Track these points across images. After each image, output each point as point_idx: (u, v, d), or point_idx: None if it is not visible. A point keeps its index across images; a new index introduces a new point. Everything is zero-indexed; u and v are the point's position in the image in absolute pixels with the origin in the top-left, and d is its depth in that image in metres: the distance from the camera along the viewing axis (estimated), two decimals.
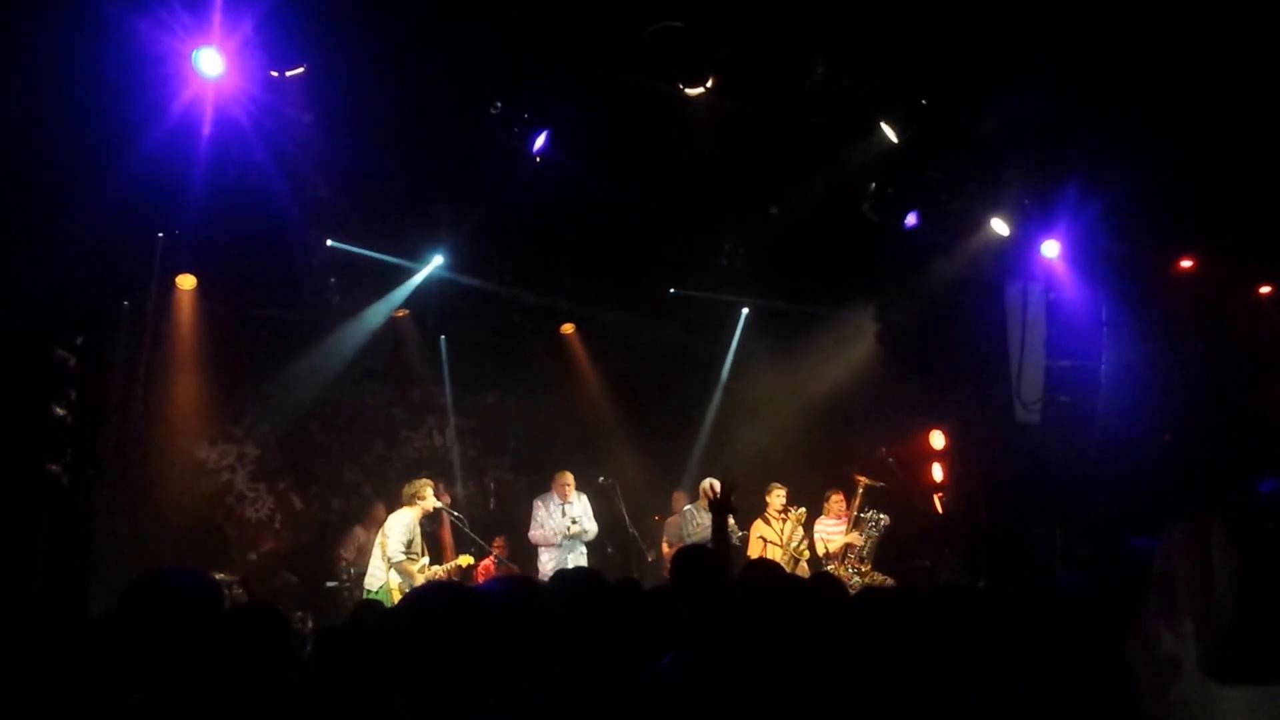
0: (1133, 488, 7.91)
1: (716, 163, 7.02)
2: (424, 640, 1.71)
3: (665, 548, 8.33)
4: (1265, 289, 8.88)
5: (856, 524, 7.90)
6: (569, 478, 7.96)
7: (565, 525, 7.76)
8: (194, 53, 5.24)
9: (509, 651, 1.77)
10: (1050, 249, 8.18)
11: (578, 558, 7.79)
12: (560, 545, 7.77)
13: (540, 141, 6.32)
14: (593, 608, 2.67)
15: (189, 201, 6.49)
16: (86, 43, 5.09)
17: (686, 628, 3.27)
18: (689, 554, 3.67)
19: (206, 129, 5.79)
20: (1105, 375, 8.52)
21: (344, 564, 7.93)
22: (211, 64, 5.27)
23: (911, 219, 7.74)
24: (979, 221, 8.00)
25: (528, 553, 8.57)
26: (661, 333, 9.63)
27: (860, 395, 9.24)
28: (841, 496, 8.08)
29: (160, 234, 7.36)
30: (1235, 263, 8.33)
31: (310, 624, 6.97)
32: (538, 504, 7.96)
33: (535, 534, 7.90)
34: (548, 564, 7.71)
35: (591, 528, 7.90)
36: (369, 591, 6.85)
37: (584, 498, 7.99)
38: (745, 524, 7.88)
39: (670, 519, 8.67)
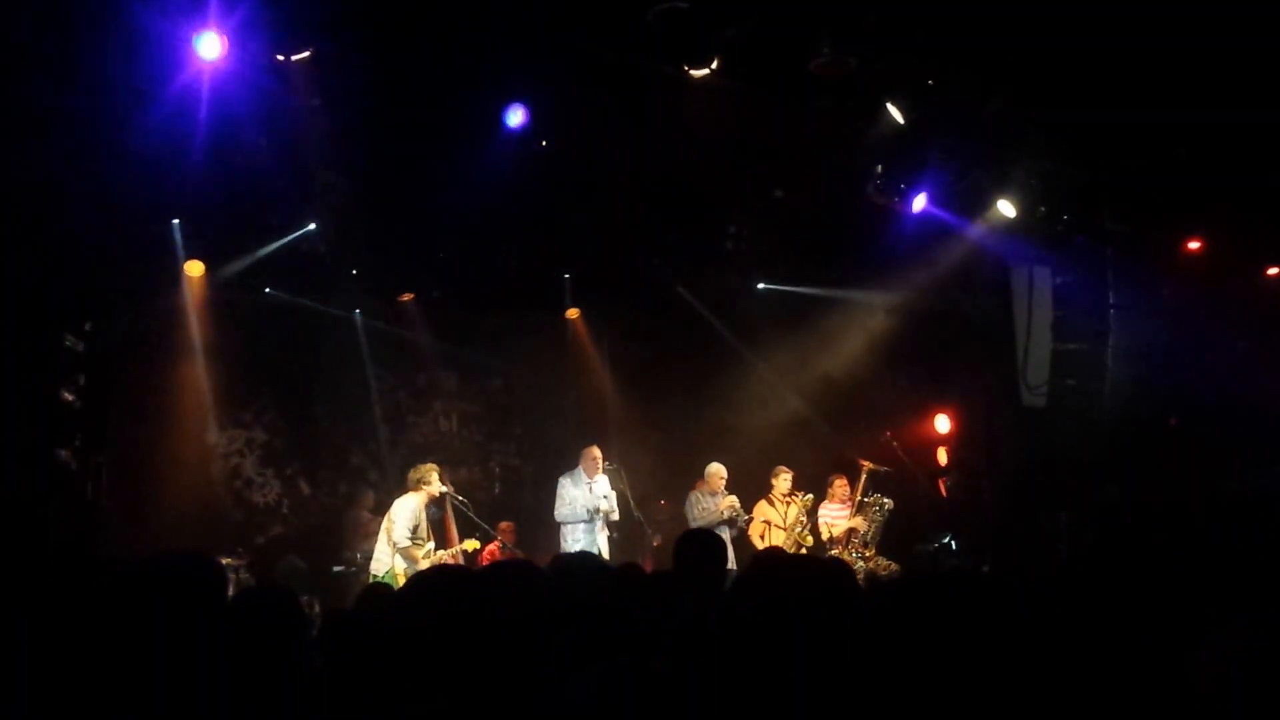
0: (1139, 472, 7.90)
1: (721, 145, 6.98)
2: (426, 623, 1.72)
3: None
4: (1273, 270, 8.81)
5: (860, 509, 7.91)
6: (597, 452, 7.79)
7: (595, 503, 7.64)
8: (195, 36, 5.22)
9: (508, 635, 1.78)
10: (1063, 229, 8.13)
11: (604, 538, 7.71)
12: (589, 522, 7.62)
13: (517, 118, 6.30)
14: (592, 592, 2.68)
15: (198, 187, 6.52)
16: (89, 31, 5.09)
17: (688, 614, 3.28)
18: (692, 539, 3.67)
19: (216, 114, 5.79)
20: (1112, 358, 8.48)
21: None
22: (211, 47, 5.25)
23: (919, 203, 7.69)
24: (986, 203, 7.95)
25: (534, 537, 8.60)
26: (666, 317, 9.62)
27: (865, 379, 9.22)
28: (845, 481, 8.07)
29: (176, 220, 7.38)
30: (1243, 244, 8.26)
31: (316, 608, 7.03)
32: (564, 481, 7.80)
33: (562, 512, 7.74)
34: (575, 544, 7.54)
35: (614, 504, 7.79)
36: (374, 576, 6.88)
37: (605, 478, 7.90)
38: (748, 509, 7.89)
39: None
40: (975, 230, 8.21)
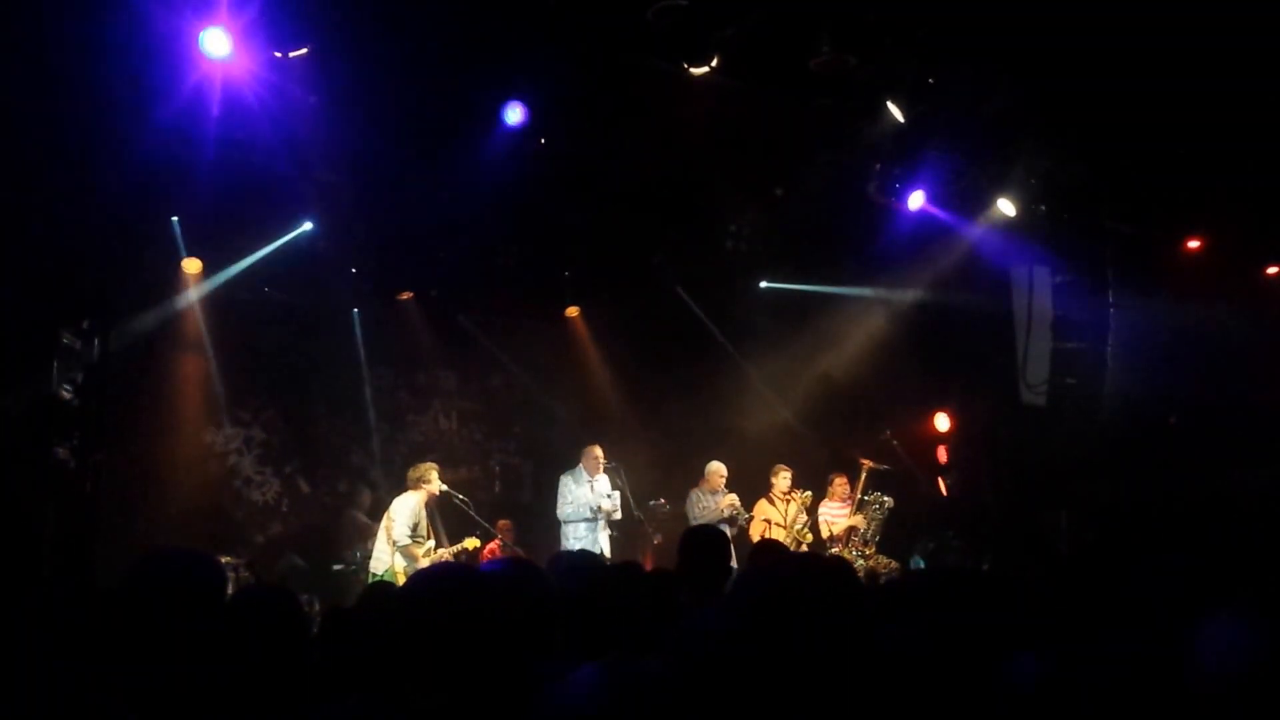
0: (1139, 471, 7.91)
1: (721, 143, 6.97)
2: (428, 620, 1.71)
3: None
4: (1273, 270, 8.83)
5: (860, 507, 7.91)
6: (599, 451, 7.82)
7: (597, 501, 7.66)
8: (200, 33, 5.21)
9: (507, 632, 1.77)
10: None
11: (605, 537, 7.72)
12: (591, 521, 7.64)
13: (516, 116, 6.29)
14: (591, 589, 2.68)
15: (196, 184, 6.51)
16: (92, 24, 5.07)
17: (690, 610, 3.27)
18: (697, 535, 3.66)
19: (214, 111, 5.77)
20: (1111, 357, 8.49)
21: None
22: (218, 44, 5.24)
23: (916, 200, 7.70)
24: (986, 202, 7.96)
25: (534, 535, 8.59)
26: (666, 315, 9.60)
27: (865, 377, 9.22)
28: (845, 479, 8.07)
29: (175, 217, 7.36)
30: (1243, 243, 8.28)
31: (316, 607, 7.02)
32: (566, 479, 7.82)
33: (564, 510, 7.75)
34: (576, 543, 7.55)
35: (617, 503, 7.80)
36: (374, 575, 6.88)
37: (605, 476, 7.91)
38: (747, 507, 7.89)
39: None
40: (975, 229, 8.22)
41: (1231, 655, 1.87)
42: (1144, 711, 1.96)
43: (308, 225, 7.82)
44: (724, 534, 3.69)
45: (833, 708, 1.95)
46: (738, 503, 7.82)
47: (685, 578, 3.32)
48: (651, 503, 8.37)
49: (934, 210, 7.87)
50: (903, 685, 2.02)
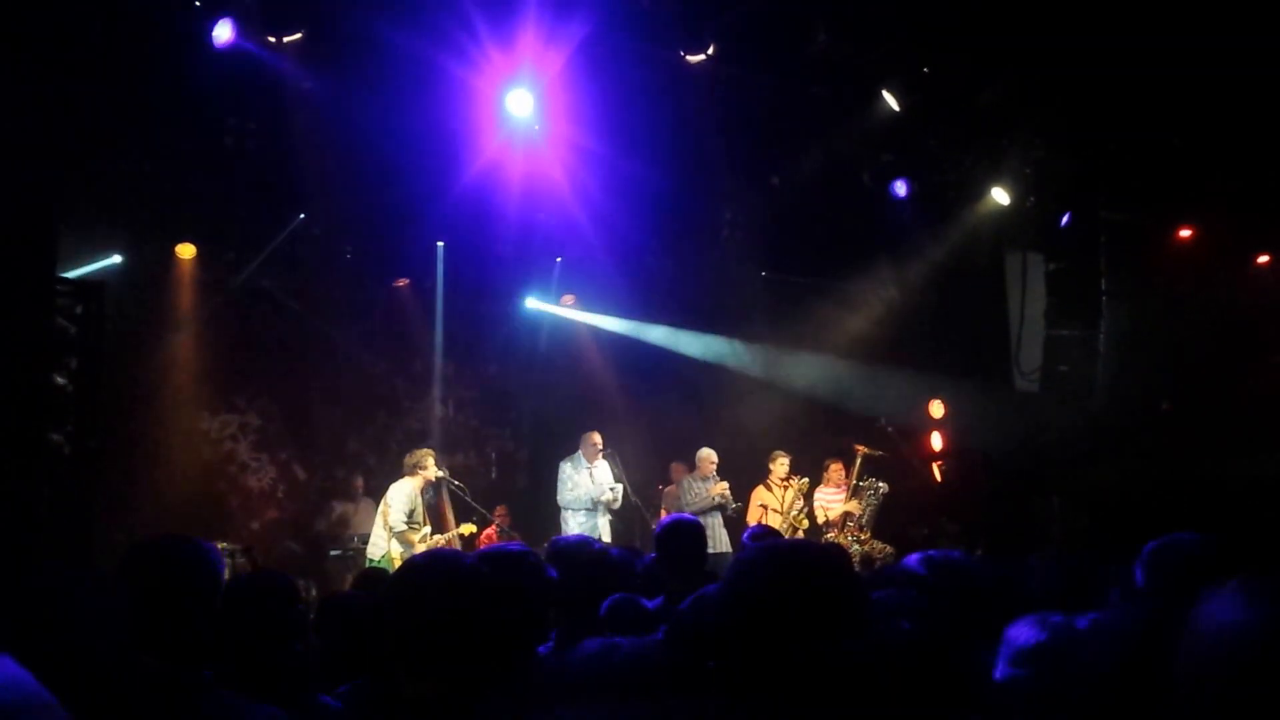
0: (1131, 457, 7.97)
1: (716, 131, 6.96)
2: (420, 606, 1.72)
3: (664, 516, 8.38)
4: (1263, 258, 8.87)
5: (855, 492, 7.95)
6: (597, 437, 7.84)
7: (597, 492, 7.69)
8: (212, 24, 5.20)
9: (503, 618, 1.79)
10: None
11: (605, 522, 7.77)
12: (591, 509, 7.69)
13: (516, 103, 6.28)
14: (589, 575, 2.70)
15: (191, 170, 6.48)
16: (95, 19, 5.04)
17: (676, 597, 3.30)
18: (674, 526, 3.69)
19: (204, 94, 5.76)
20: (1104, 344, 8.53)
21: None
22: (222, 35, 5.22)
23: (902, 188, 7.71)
24: (980, 190, 7.98)
25: (530, 521, 8.63)
26: (662, 304, 9.61)
27: (860, 363, 9.25)
28: (841, 465, 8.11)
29: (172, 203, 7.34)
30: (1234, 232, 8.31)
31: (313, 593, 7.05)
32: (565, 466, 7.85)
33: (565, 496, 7.80)
34: (577, 528, 7.58)
35: (619, 494, 7.85)
36: (371, 561, 6.90)
37: (605, 464, 7.92)
38: (744, 493, 7.93)
39: (669, 489, 8.72)
40: (969, 217, 8.24)
41: (1225, 631, 1.90)
42: (1136, 683, 2.00)
43: (302, 216, 7.80)
44: (698, 523, 3.74)
45: (827, 695, 1.97)
46: (728, 490, 7.86)
47: (664, 567, 3.37)
48: (639, 501, 8.41)
49: (928, 198, 7.88)
50: (896, 671, 2.04)
